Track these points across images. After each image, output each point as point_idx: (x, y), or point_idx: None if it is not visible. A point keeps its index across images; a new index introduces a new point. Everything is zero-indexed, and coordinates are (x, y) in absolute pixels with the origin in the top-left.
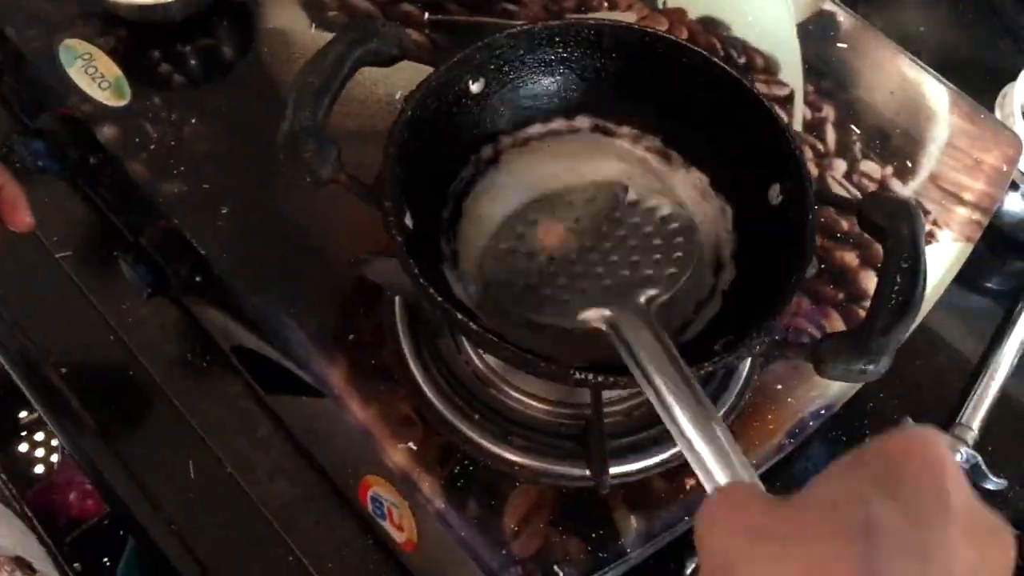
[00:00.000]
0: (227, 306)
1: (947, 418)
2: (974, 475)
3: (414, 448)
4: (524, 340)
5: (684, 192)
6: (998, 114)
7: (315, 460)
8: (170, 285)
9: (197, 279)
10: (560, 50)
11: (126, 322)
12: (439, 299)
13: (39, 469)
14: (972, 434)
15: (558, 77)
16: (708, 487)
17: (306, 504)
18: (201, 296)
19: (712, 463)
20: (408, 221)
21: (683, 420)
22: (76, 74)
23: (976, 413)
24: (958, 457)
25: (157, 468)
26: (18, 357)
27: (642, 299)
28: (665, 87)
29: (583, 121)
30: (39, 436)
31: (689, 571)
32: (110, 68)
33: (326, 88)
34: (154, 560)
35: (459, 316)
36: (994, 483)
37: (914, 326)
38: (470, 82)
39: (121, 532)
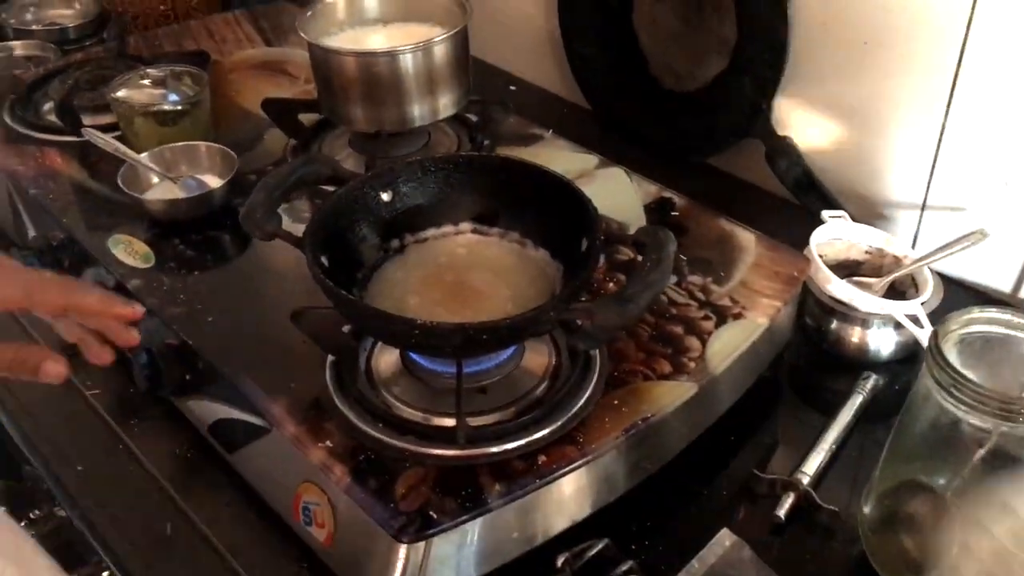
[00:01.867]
0: (206, 389)
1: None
2: (811, 505)
3: (331, 446)
4: None
5: (536, 263)
6: None
7: (266, 503)
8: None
9: (187, 377)
10: (442, 175)
11: (132, 432)
12: (331, 284)
13: None
14: (807, 477)
15: (444, 194)
16: None
17: (259, 542)
18: (187, 392)
19: None
20: (324, 262)
21: None
22: (119, 253)
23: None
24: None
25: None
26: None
27: None
28: (518, 196)
29: (465, 226)
30: None
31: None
32: (142, 248)
33: (277, 186)
34: None
35: (340, 291)
36: (826, 508)
37: (654, 297)
38: (381, 191)
39: None
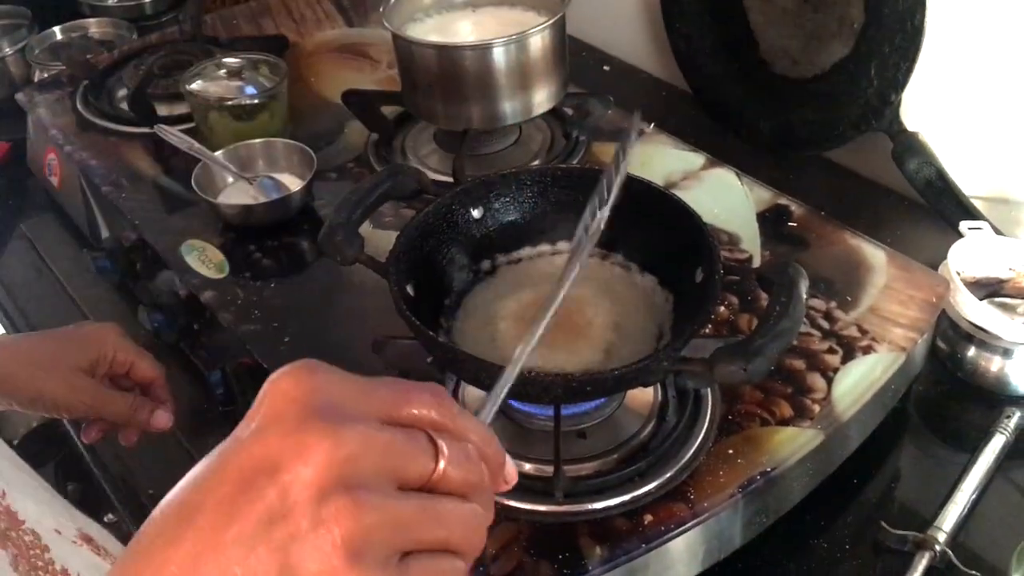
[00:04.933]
0: None
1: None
2: (948, 567)
3: None
4: None
5: (641, 290)
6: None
7: None
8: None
9: None
10: (539, 188)
11: (206, 451)
12: (416, 322)
13: None
14: (944, 534)
15: (540, 211)
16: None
17: None
18: None
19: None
20: (410, 290)
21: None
22: (192, 261)
23: (949, 519)
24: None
25: None
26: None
27: None
28: (625, 215)
29: (562, 246)
30: None
31: None
32: (216, 255)
33: (359, 203)
34: None
35: (425, 330)
36: (968, 574)
37: (784, 348)
38: (471, 208)
39: None
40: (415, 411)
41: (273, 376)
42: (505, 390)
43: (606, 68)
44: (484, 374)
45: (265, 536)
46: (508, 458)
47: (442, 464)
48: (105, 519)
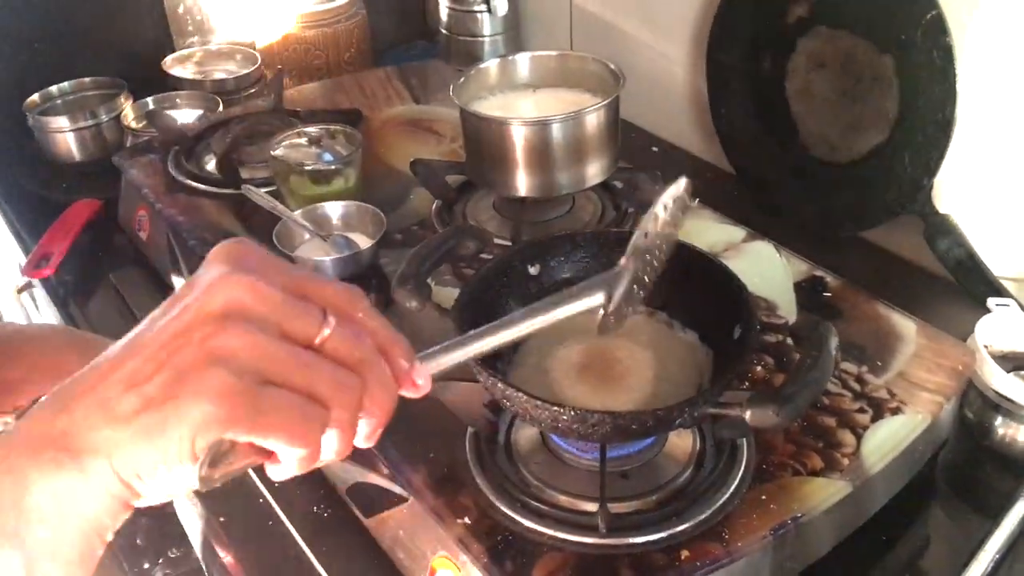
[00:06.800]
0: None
1: None
2: None
3: (469, 523)
4: None
5: (683, 344)
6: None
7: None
8: None
9: None
10: (592, 250)
11: (272, 486)
12: (478, 364)
13: None
14: None
15: (592, 270)
16: None
17: None
18: None
19: None
20: None
21: None
22: None
23: None
24: None
25: None
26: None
27: None
28: (668, 275)
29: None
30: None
31: None
32: None
33: (427, 256)
34: None
35: (487, 370)
36: None
37: (814, 397)
38: (528, 265)
39: None
40: (323, 294)
41: (218, 245)
42: (460, 358)
43: (655, 149)
44: (539, 412)
45: (170, 335)
46: (419, 362)
47: (326, 331)
48: (169, 553)
